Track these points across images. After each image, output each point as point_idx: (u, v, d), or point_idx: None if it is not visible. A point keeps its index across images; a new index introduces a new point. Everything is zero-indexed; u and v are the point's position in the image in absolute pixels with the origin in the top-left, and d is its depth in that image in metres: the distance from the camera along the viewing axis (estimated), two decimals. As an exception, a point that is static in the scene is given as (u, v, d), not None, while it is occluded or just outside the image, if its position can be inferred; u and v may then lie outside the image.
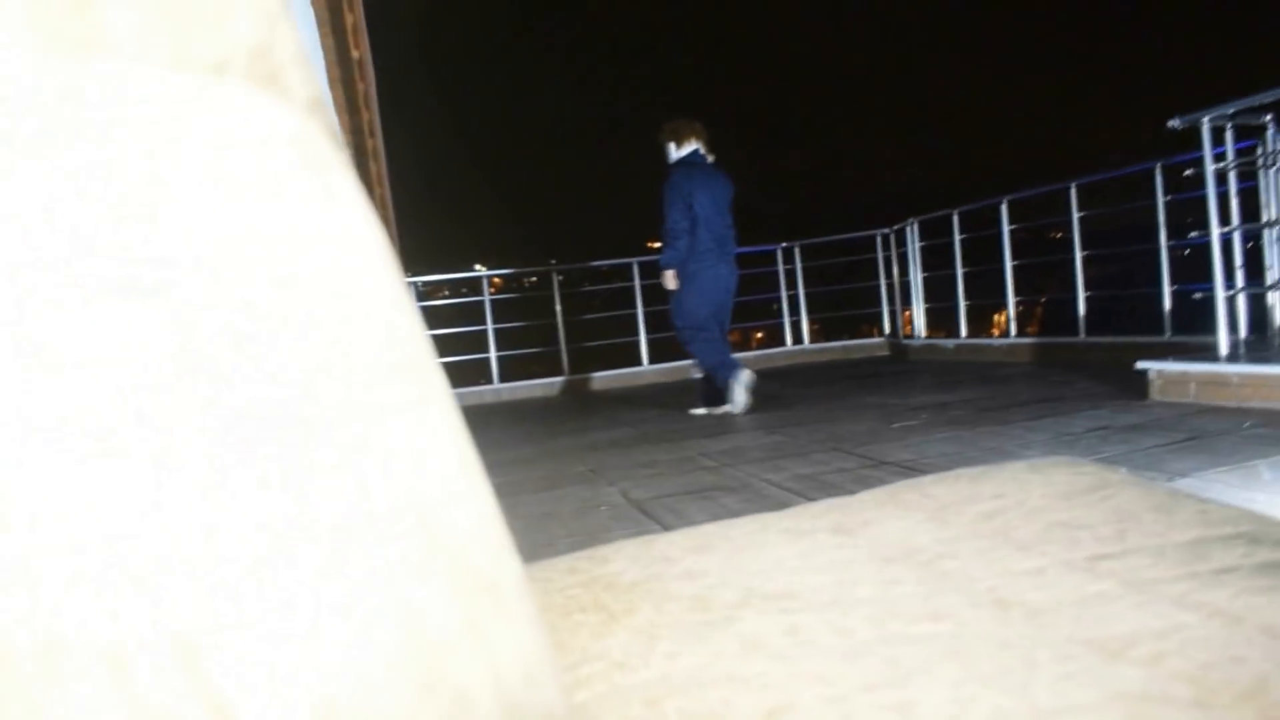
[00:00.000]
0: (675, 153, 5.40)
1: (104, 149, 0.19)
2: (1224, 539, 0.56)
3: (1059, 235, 7.14)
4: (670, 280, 5.48)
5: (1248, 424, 3.35)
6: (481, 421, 6.69)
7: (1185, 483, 2.54)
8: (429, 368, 0.29)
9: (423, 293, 10.28)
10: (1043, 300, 10.77)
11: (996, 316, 8.11)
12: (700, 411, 5.48)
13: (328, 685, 0.18)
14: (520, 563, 0.44)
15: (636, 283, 9.27)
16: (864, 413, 4.81)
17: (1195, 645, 0.41)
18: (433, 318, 9.91)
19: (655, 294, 9.92)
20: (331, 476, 0.20)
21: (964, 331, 8.20)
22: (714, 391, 5.47)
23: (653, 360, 9.26)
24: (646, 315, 9.29)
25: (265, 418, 0.19)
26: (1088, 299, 6.73)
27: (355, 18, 5.12)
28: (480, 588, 0.24)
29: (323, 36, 4.98)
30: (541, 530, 2.78)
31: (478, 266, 10.07)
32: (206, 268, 0.20)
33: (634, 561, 0.60)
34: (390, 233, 7.16)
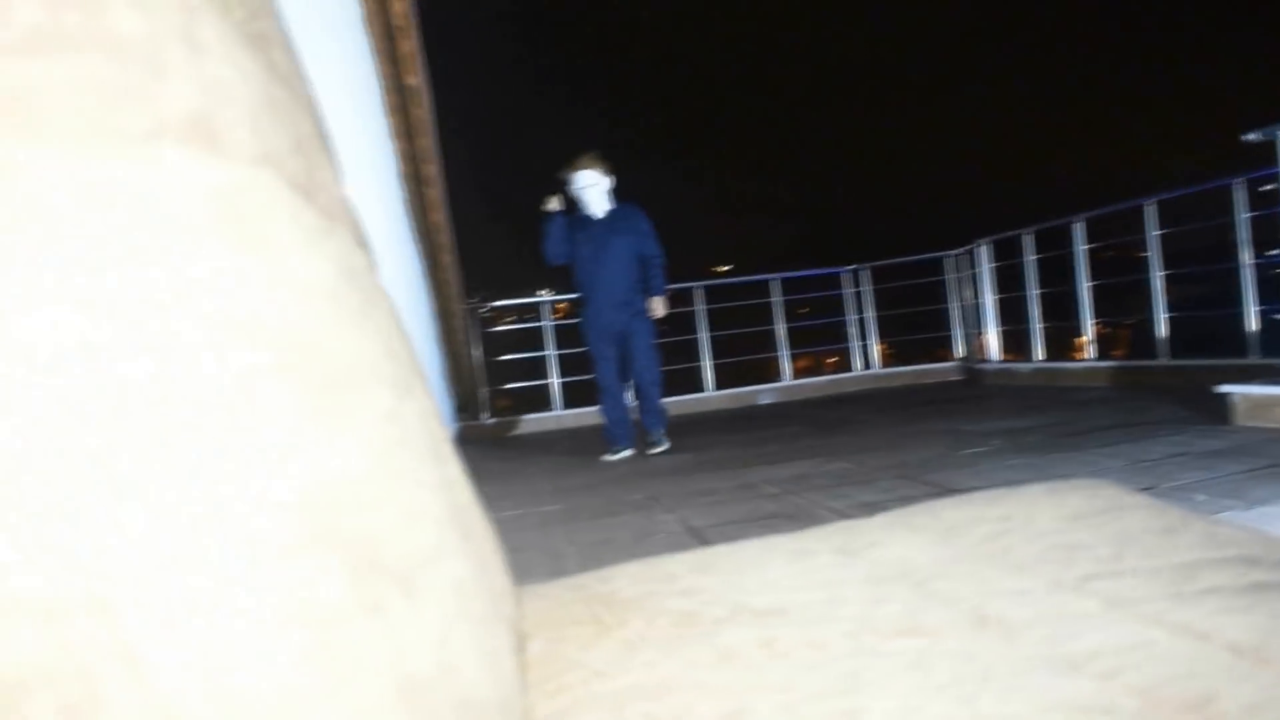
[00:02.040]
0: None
1: (28, 227, 0.23)
2: (1222, 561, 0.57)
3: (1143, 254, 6.99)
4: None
5: (1337, 450, 3.24)
6: (542, 448, 6.77)
7: (1264, 511, 2.47)
8: (371, 388, 0.32)
9: (487, 318, 10.41)
10: (1130, 322, 10.52)
11: (1079, 339, 7.93)
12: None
13: (227, 644, 0.22)
14: (499, 575, 0.48)
15: (701, 307, 9.30)
16: (934, 439, 4.76)
17: (1156, 661, 0.42)
18: (498, 343, 10.03)
19: (721, 319, 9.95)
20: (237, 476, 0.24)
21: (1039, 355, 8.05)
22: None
23: (719, 386, 9.26)
24: (712, 340, 9.30)
25: (178, 431, 0.23)
26: (1172, 320, 6.57)
27: (411, 46, 5.27)
28: (387, 580, 0.27)
29: (379, 64, 5.14)
30: (595, 558, 2.81)
31: (541, 292, 10.15)
32: (122, 318, 0.24)
33: (635, 580, 0.63)
34: (446, 257, 7.27)
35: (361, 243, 0.47)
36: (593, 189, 5.37)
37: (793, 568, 0.62)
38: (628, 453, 5.45)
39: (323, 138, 0.48)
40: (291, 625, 0.23)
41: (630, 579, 0.63)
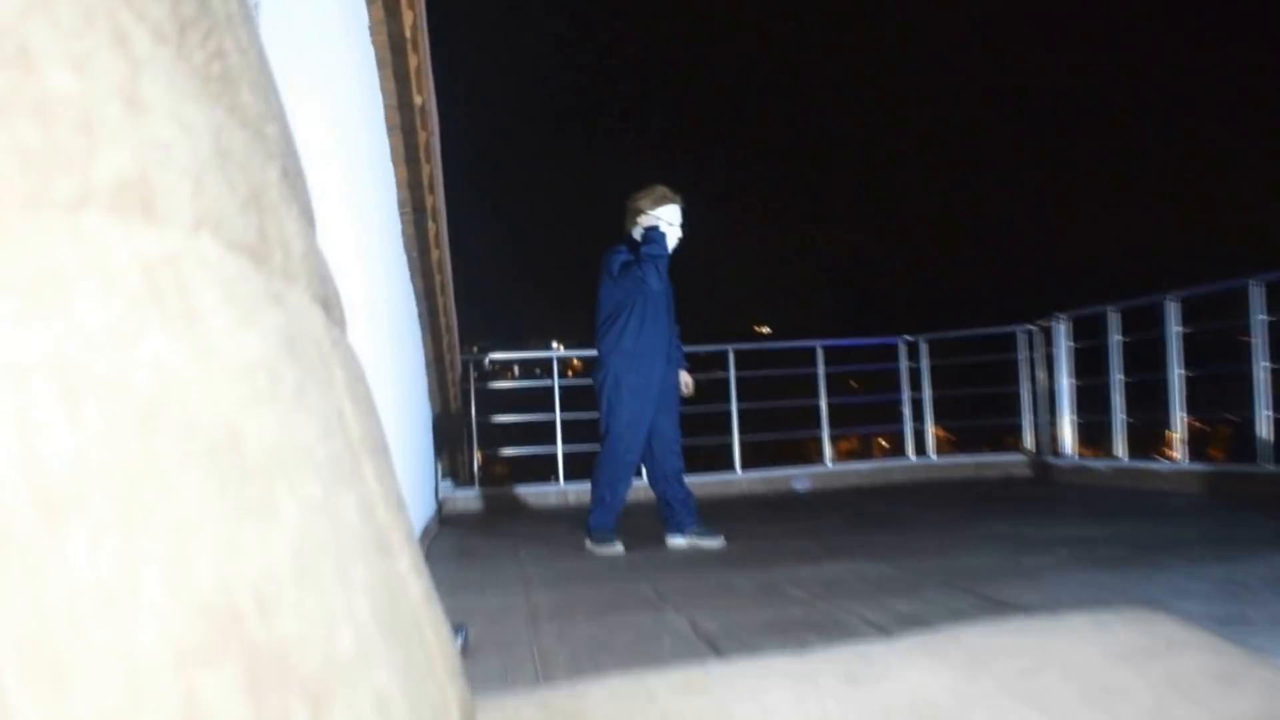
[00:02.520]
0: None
1: None
2: (1282, 717, 0.57)
3: (1246, 339, 6.95)
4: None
5: None
6: (540, 526, 6.74)
7: (1372, 653, 2.44)
8: (298, 477, 0.34)
9: (488, 371, 10.41)
10: (1233, 420, 10.42)
11: (1168, 435, 7.87)
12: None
13: None
14: (444, 686, 0.48)
15: (731, 373, 9.28)
16: (992, 544, 4.72)
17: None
18: (498, 401, 10.05)
19: (754, 388, 9.93)
20: (132, 575, 0.26)
21: (1121, 451, 7.99)
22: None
23: (746, 466, 9.21)
24: (741, 413, 9.27)
25: (69, 527, 0.25)
26: (1279, 421, 6.52)
27: (420, 60, 5.36)
28: (293, 694, 0.29)
29: (383, 80, 5.23)
30: (590, 660, 2.79)
31: (555, 344, 10.13)
32: (31, 398, 0.26)
33: (613, 696, 0.63)
34: (444, 299, 7.31)
35: (325, 302, 0.49)
36: (676, 228, 5.39)
37: (789, 694, 0.63)
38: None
39: (291, 184, 0.50)
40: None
41: (606, 695, 0.64)
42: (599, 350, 5.34)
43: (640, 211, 5.37)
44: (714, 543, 5.25)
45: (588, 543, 5.22)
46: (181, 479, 0.28)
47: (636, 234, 5.37)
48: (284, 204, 0.49)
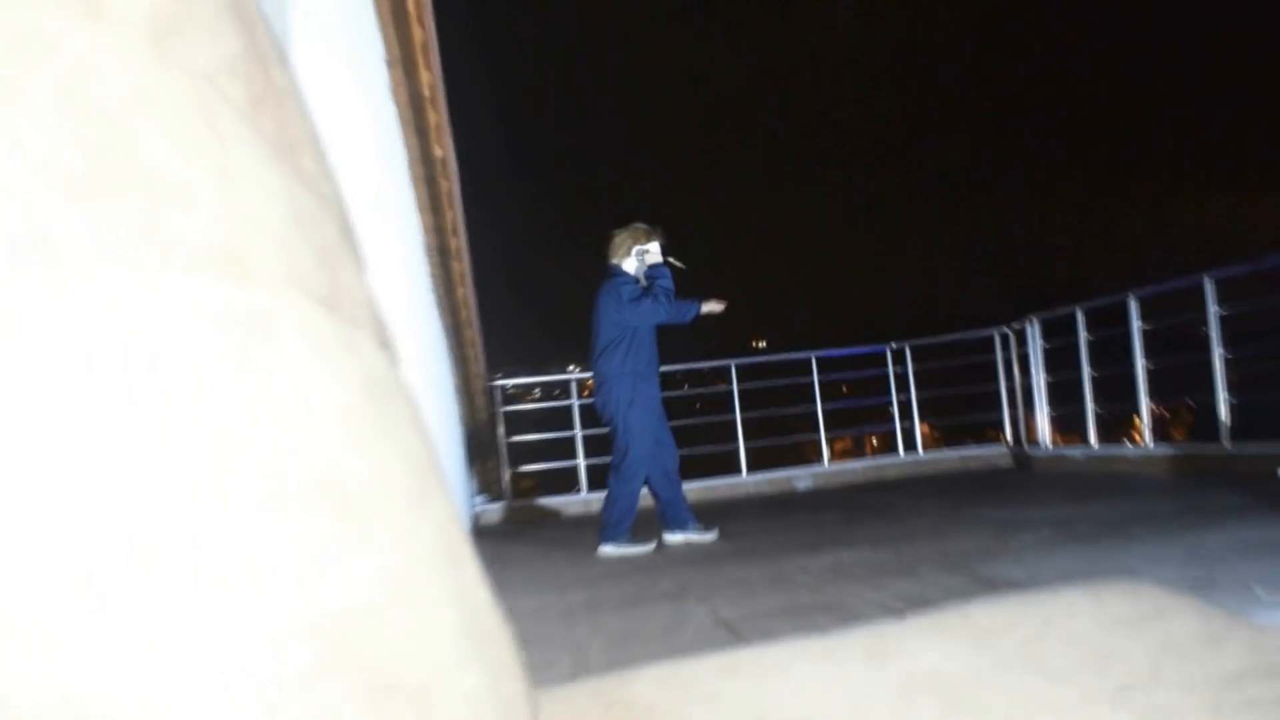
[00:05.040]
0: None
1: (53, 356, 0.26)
2: (1267, 670, 0.57)
3: (1204, 331, 6.92)
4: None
5: None
6: (572, 531, 6.74)
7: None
8: (387, 507, 0.34)
9: (511, 395, 10.43)
10: (1193, 405, 10.38)
11: (1138, 421, 7.84)
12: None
13: None
14: (515, 681, 0.49)
15: (734, 386, 9.30)
16: (979, 527, 4.70)
17: (1189, 780, 0.43)
18: (522, 421, 10.06)
19: (755, 398, 9.94)
20: (251, 608, 0.26)
21: (1093, 439, 7.96)
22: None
23: (751, 469, 9.21)
24: (746, 421, 9.28)
25: (192, 564, 0.26)
26: (1235, 403, 6.49)
27: (439, 117, 5.40)
28: (401, 701, 0.29)
29: (406, 136, 5.27)
30: (623, 649, 2.79)
31: (571, 368, 10.18)
32: (139, 445, 0.27)
33: (657, 683, 0.64)
34: (470, 332, 7.34)
35: (384, 343, 0.50)
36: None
37: (820, 673, 0.63)
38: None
39: (348, 237, 0.51)
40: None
41: (651, 682, 0.64)
42: (601, 372, 5.33)
43: (632, 244, 5.41)
44: (709, 537, 5.29)
45: (608, 549, 5.21)
46: (288, 516, 0.29)
47: (626, 266, 5.40)
48: (345, 256, 0.49)
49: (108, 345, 0.28)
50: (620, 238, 5.45)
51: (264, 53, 0.47)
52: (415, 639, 0.31)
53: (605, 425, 5.50)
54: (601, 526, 5.31)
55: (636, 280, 5.34)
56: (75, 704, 0.24)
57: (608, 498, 5.37)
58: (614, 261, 5.43)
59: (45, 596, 0.24)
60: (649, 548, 5.17)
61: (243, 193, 0.34)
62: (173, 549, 0.26)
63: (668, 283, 5.29)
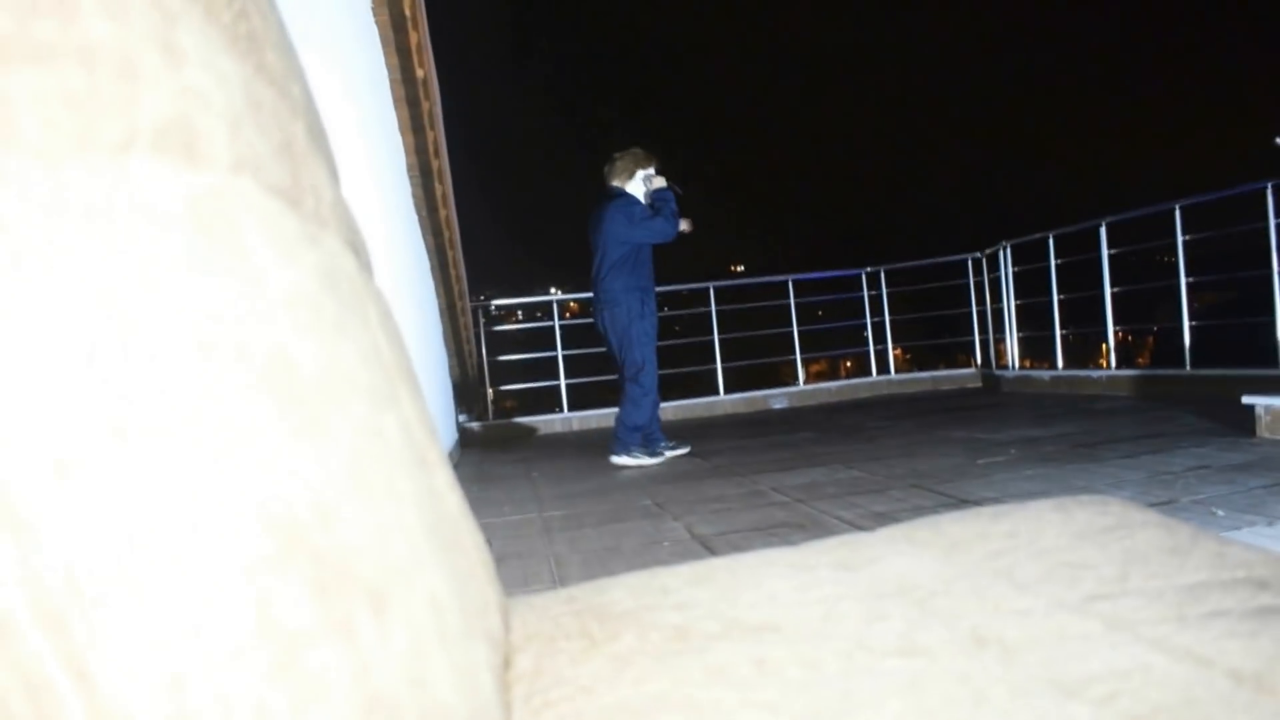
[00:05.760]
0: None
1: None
2: (1230, 582, 0.57)
3: (1168, 259, 6.93)
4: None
5: (1365, 465, 3.22)
6: (549, 451, 6.78)
7: (1288, 527, 2.46)
8: (346, 400, 0.32)
9: (495, 316, 10.40)
10: (1154, 329, 10.46)
11: (1105, 346, 7.89)
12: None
13: (186, 663, 0.22)
14: (484, 586, 0.48)
15: (713, 308, 9.30)
16: (949, 448, 4.75)
17: (1154, 686, 0.42)
18: (505, 342, 10.05)
19: (732, 320, 9.95)
20: (200, 494, 0.25)
21: (1061, 362, 8.03)
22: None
23: (728, 389, 9.25)
24: (723, 343, 9.30)
25: (139, 447, 0.24)
26: (1198, 329, 6.54)
27: (420, 36, 5.28)
28: (356, 597, 0.28)
29: (387, 56, 5.15)
30: (601, 565, 2.81)
31: (553, 290, 10.11)
32: (87, 330, 0.25)
33: (631, 592, 0.63)
34: (453, 253, 7.28)
35: (354, 247, 0.47)
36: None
37: (791, 582, 0.63)
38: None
39: (315, 140, 0.48)
40: (254, 644, 0.23)
41: (625, 590, 0.63)
42: (609, 289, 5.32)
43: (635, 168, 5.41)
44: (652, 461, 5.40)
45: (636, 458, 5.36)
46: (240, 402, 0.27)
47: (630, 187, 5.40)
48: (312, 156, 0.47)
49: (66, 225, 0.26)
50: (624, 162, 5.46)
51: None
52: (374, 537, 0.30)
53: (610, 344, 5.51)
54: (615, 439, 5.45)
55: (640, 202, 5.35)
56: (41, 586, 0.23)
57: (626, 409, 5.44)
58: (615, 184, 5.42)
59: (18, 480, 0.23)
60: (686, 448, 5.49)
61: (190, 73, 0.32)
62: (128, 432, 0.25)
63: (674, 205, 5.34)
